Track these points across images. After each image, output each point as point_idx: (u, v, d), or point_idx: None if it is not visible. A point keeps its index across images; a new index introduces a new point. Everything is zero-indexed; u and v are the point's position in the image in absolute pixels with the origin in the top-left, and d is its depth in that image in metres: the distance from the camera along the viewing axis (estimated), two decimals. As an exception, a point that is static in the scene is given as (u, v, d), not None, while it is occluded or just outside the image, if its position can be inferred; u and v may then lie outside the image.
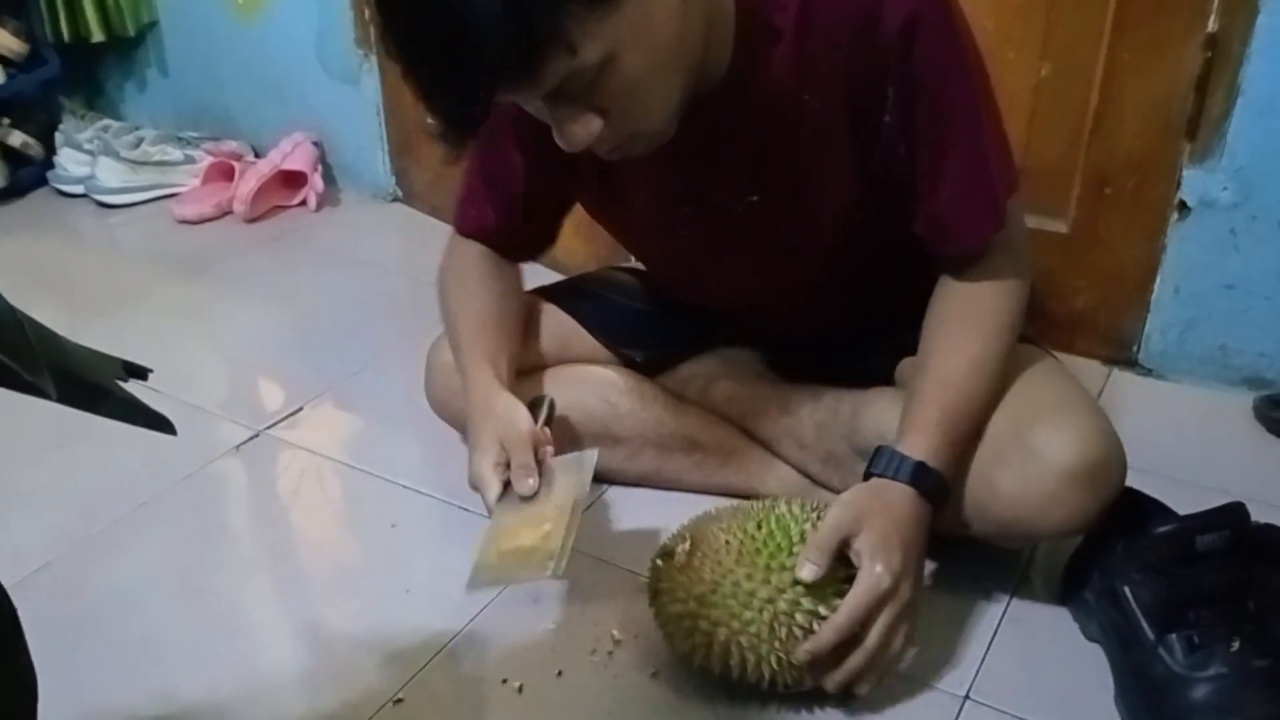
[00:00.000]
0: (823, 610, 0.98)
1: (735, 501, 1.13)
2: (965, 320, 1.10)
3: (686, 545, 1.03)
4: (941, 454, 1.04)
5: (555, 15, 0.83)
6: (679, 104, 0.98)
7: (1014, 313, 1.11)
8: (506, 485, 1.11)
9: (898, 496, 1.02)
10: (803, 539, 1.00)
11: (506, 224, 1.30)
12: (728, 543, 1.01)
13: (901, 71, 1.01)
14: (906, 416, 1.07)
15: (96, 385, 0.65)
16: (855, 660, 0.98)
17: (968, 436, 1.08)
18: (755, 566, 0.99)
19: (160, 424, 0.68)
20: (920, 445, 1.04)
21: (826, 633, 0.96)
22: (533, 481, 1.10)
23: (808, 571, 0.97)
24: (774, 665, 0.99)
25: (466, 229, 1.33)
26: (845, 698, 1.04)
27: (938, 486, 1.04)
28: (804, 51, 1.01)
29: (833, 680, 1.00)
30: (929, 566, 1.19)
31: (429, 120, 0.90)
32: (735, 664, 1.00)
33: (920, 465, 1.03)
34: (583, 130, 0.93)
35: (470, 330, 1.27)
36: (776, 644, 0.98)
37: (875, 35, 0.99)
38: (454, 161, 0.94)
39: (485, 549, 1.07)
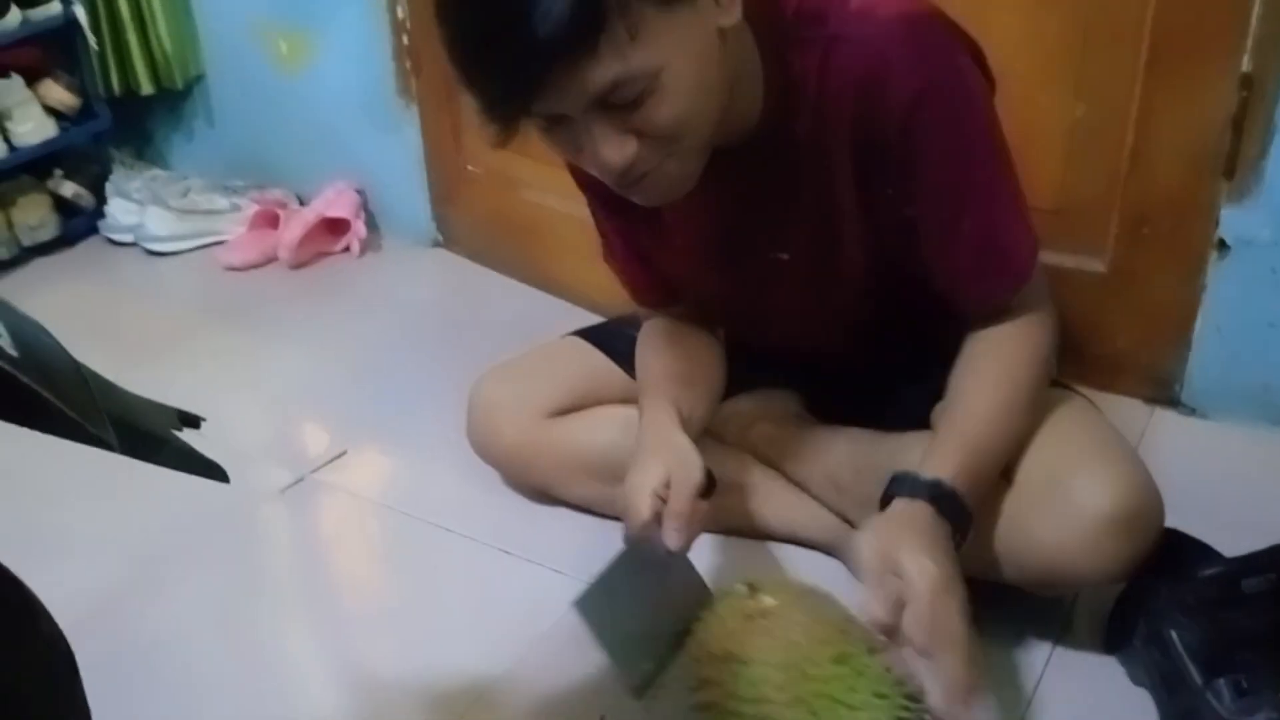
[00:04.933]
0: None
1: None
2: (991, 366, 1.10)
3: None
4: (960, 480, 1.01)
5: None
6: (707, 143, 0.98)
7: (1040, 357, 1.11)
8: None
9: (920, 511, 0.99)
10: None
11: (649, 283, 1.30)
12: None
13: (903, 146, 1.01)
14: (929, 448, 1.06)
15: (154, 435, 0.67)
16: (951, 661, 0.89)
17: (990, 469, 1.06)
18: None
19: (214, 472, 0.70)
20: (937, 468, 1.02)
21: (920, 636, 0.89)
22: (681, 539, 1.04)
23: (877, 608, 0.91)
24: None
25: (636, 302, 1.34)
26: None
27: (956, 507, 1.00)
28: (823, 113, 1.02)
29: (943, 691, 0.89)
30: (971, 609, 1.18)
31: (475, 105, 0.89)
32: None
33: (936, 483, 1.00)
34: (618, 153, 0.92)
35: (651, 379, 1.24)
36: None
37: (880, 108, 1.00)
38: (501, 145, 0.93)
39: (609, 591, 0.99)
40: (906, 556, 0.93)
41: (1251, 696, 0.99)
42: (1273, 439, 1.51)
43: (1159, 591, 1.08)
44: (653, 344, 1.29)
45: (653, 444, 1.13)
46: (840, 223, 1.10)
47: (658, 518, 1.06)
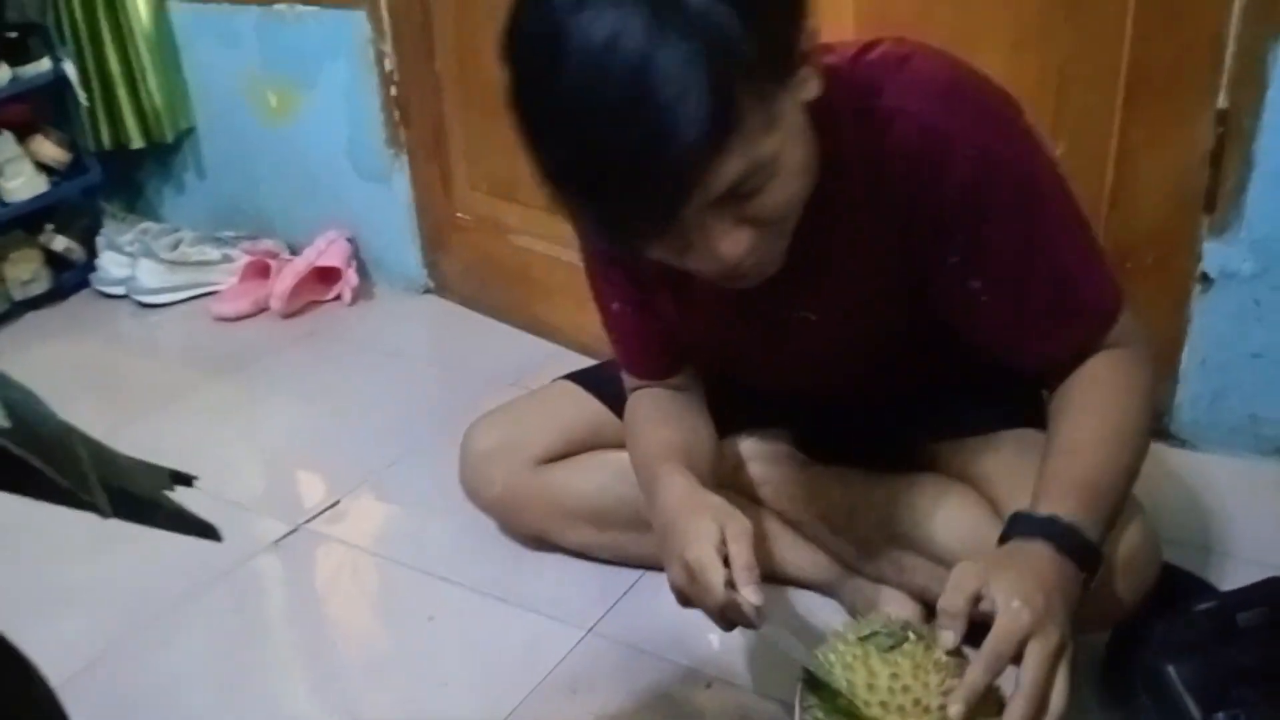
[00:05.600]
0: None
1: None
2: (1086, 401, 1.04)
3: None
4: (1077, 513, 0.94)
5: (755, 81, 0.81)
6: (798, 219, 0.95)
7: (1142, 388, 1.05)
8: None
9: (1031, 550, 0.92)
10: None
11: (650, 353, 1.26)
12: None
13: (969, 219, 0.99)
14: (1035, 490, 0.99)
15: (147, 499, 0.67)
16: (1018, 707, 0.83)
17: (1104, 501, 0.97)
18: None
19: (208, 532, 0.70)
20: (1050, 505, 0.95)
21: (975, 674, 0.84)
22: (760, 591, 0.97)
23: (948, 639, 0.87)
24: None
25: (626, 372, 1.30)
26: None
27: (1077, 542, 0.93)
28: (876, 185, 1.00)
29: None
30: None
31: (593, 231, 0.84)
32: None
33: (1051, 519, 0.93)
34: (734, 246, 0.88)
35: (652, 454, 1.18)
36: None
37: (942, 183, 0.98)
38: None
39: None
40: (1001, 587, 0.86)
41: (1249, 731, 0.99)
42: (1261, 469, 1.52)
43: (1154, 627, 1.08)
44: (646, 419, 1.24)
45: (685, 509, 1.07)
46: (877, 288, 1.08)
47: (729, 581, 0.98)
